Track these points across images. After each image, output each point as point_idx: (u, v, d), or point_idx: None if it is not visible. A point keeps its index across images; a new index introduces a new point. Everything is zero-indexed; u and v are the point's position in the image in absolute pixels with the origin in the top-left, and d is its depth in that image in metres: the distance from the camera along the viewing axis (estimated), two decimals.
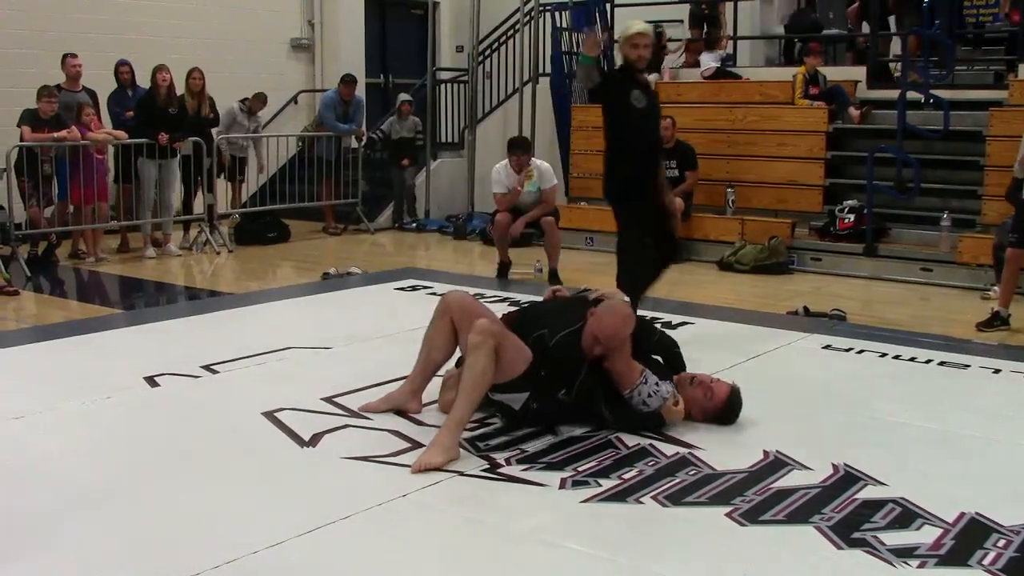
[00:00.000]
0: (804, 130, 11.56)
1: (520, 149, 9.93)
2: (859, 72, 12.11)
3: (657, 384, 5.13)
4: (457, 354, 5.40)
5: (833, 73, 12.23)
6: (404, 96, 14.66)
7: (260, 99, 13.14)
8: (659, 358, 5.47)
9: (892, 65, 12.84)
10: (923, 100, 11.14)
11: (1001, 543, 3.92)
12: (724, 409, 5.30)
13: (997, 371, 6.59)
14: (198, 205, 12.18)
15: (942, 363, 6.76)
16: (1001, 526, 4.07)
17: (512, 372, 4.96)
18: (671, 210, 7.11)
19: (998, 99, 10.94)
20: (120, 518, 4.04)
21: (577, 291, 5.83)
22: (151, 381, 5.91)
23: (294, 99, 15.91)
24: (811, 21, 13.95)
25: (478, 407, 4.94)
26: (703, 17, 13.92)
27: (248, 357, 6.45)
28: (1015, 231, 8.23)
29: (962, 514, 4.17)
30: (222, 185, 12.69)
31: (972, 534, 4.00)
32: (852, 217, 10.79)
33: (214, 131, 12.37)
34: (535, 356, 5.02)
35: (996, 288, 8.71)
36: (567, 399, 5.09)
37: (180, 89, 11.83)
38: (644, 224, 6.81)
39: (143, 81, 11.81)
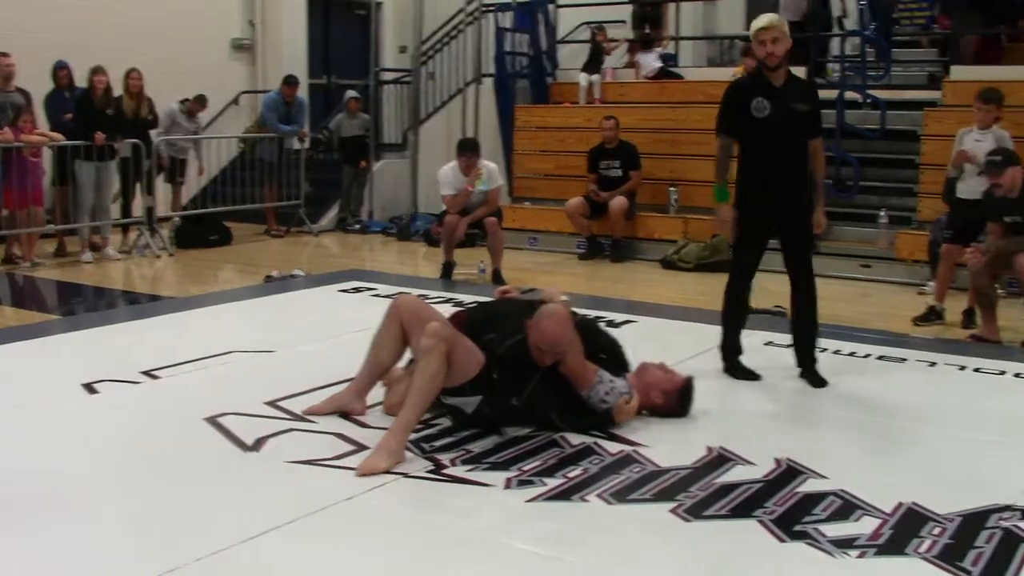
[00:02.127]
0: None
1: (470, 150, 9.94)
2: (799, 72, 12.18)
3: (612, 381, 5.17)
4: (408, 356, 5.41)
5: None
6: (352, 93, 14.62)
7: (200, 101, 13.07)
8: (604, 356, 5.49)
9: (829, 66, 12.97)
10: (861, 100, 11.27)
11: (936, 531, 4.00)
12: (683, 389, 5.39)
13: (933, 364, 6.73)
14: (137, 208, 12.06)
15: (880, 357, 6.87)
16: (936, 514, 4.15)
17: (464, 376, 4.95)
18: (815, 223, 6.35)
19: (932, 99, 11.12)
20: (57, 528, 3.97)
21: (522, 290, 5.85)
22: (90, 388, 5.83)
23: (235, 100, 15.80)
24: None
25: (427, 410, 4.95)
26: (646, 17, 13.99)
27: (190, 362, 6.40)
28: (950, 227, 8.38)
29: (899, 504, 4.25)
30: (162, 187, 12.59)
31: (909, 523, 4.08)
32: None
33: (153, 132, 12.26)
34: (487, 359, 5.03)
35: (932, 283, 8.83)
36: (519, 405, 5.09)
37: (118, 90, 11.73)
38: (743, 235, 6.29)
39: (81, 82, 11.66)
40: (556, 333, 5.00)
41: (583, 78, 13.48)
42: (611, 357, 5.49)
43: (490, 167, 10.10)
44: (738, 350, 6.42)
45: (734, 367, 6.36)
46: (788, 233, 6.24)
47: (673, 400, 5.38)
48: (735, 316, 6.44)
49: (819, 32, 12.37)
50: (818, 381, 6.18)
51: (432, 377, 4.80)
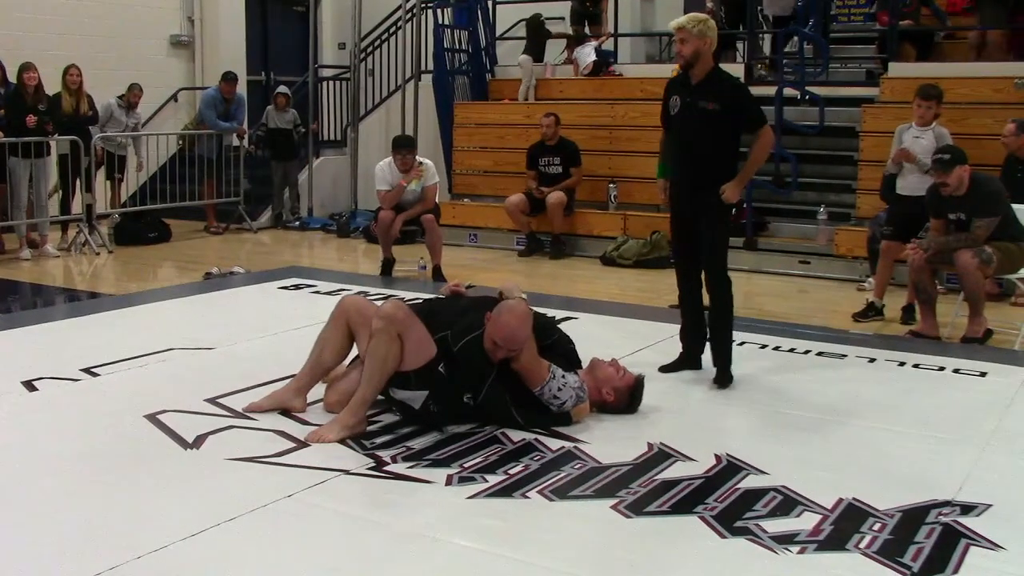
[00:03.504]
0: None
1: (405, 148, 9.92)
2: (737, 70, 12.25)
3: (564, 376, 5.17)
4: (352, 354, 5.43)
5: None
6: (281, 89, 14.50)
7: (136, 90, 12.86)
8: (558, 354, 5.49)
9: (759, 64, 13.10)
10: (799, 97, 11.36)
11: (876, 527, 4.03)
12: (634, 387, 5.43)
13: (872, 360, 6.78)
14: (76, 205, 11.92)
15: (820, 353, 6.92)
16: (876, 510, 4.19)
17: (411, 363, 4.98)
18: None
19: (870, 96, 11.23)
20: None
21: (466, 286, 5.84)
22: (29, 385, 5.78)
23: (174, 97, 15.65)
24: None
25: (380, 390, 5.04)
26: (585, 14, 14.00)
27: (129, 359, 6.34)
28: (889, 224, 8.45)
29: (840, 500, 4.28)
30: (101, 184, 12.45)
31: (849, 519, 4.11)
32: (732, 211, 10.90)
33: (92, 129, 12.12)
34: (437, 354, 5.03)
35: (871, 279, 8.92)
36: (471, 403, 5.09)
37: (56, 86, 11.59)
38: (671, 226, 6.48)
39: (14, 78, 11.45)
40: (514, 329, 5.00)
41: (527, 62, 13.47)
42: (564, 354, 5.50)
43: (427, 164, 10.08)
44: (693, 347, 6.45)
45: (681, 359, 6.43)
46: (698, 229, 6.26)
47: (624, 397, 5.41)
48: (684, 308, 6.50)
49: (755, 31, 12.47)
50: (722, 380, 6.13)
51: (382, 358, 4.90)
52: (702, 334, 6.43)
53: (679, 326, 6.54)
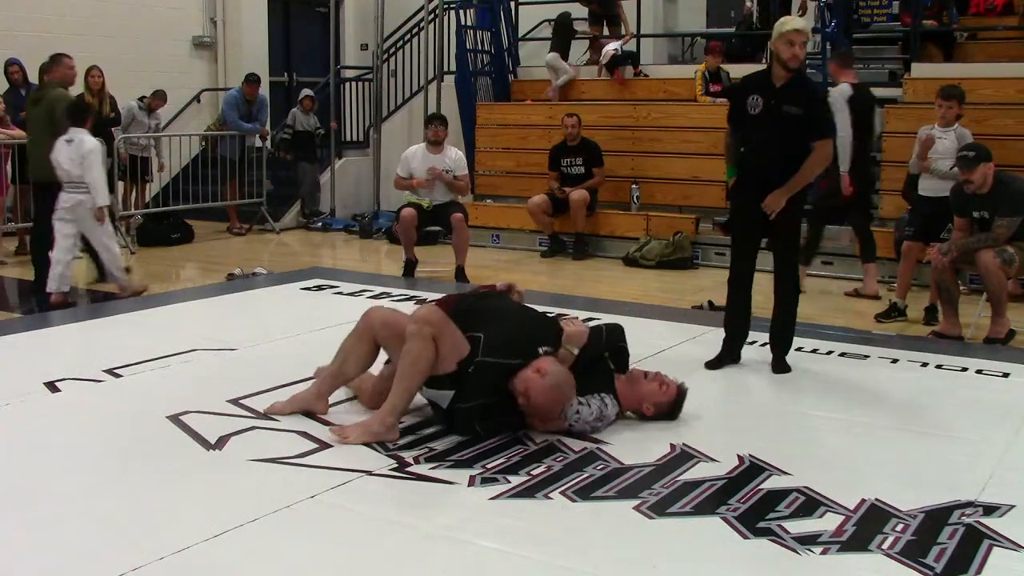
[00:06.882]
0: (707, 127, 11.65)
1: (438, 119, 10.16)
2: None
3: (580, 404, 5.05)
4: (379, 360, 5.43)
5: (738, 71, 12.35)
6: (307, 91, 14.57)
7: (160, 96, 12.95)
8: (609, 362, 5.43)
9: None
10: None
11: (899, 527, 4.02)
12: (676, 400, 5.38)
13: (895, 361, 6.76)
14: None
15: (843, 354, 6.90)
16: (899, 511, 4.17)
17: (444, 367, 4.93)
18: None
19: (893, 97, 11.19)
20: (21, 526, 3.96)
21: (484, 286, 5.80)
22: (51, 387, 5.79)
23: (196, 98, 15.71)
24: None
25: (414, 395, 5.02)
26: (601, 16, 14.01)
27: (152, 360, 6.35)
28: (911, 224, 8.42)
29: (863, 500, 4.27)
30: (123, 186, 12.51)
31: (872, 520, 4.10)
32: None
33: (115, 130, 12.16)
34: (470, 354, 4.96)
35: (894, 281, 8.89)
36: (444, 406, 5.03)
37: (78, 87, 11.62)
38: (735, 222, 6.55)
39: (35, 79, 11.47)
40: (550, 408, 4.96)
41: (555, 59, 13.49)
42: (612, 354, 5.46)
43: (457, 153, 10.11)
44: (736, 337, 6.53)
45: (723, 356, 6.50)
46: (770, 228, 6.32)
47: (665, 409, 5.34)
48: (736, 297, 6.57)
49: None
50: (778, 367, 6.35)
51: (415, 359, 4.86)
52: (747, 323, 6.53)
53: (723, 314, 6.64)
